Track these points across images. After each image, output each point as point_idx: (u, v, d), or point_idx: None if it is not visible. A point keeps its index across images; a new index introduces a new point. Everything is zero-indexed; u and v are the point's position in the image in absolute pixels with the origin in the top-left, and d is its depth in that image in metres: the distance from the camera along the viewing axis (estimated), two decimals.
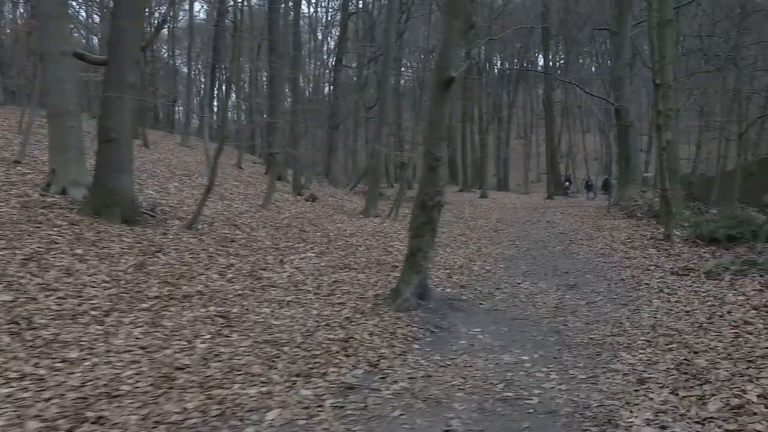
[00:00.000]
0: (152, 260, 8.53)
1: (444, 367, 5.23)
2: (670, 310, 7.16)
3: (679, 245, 11.76)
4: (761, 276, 8.63)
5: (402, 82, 52.75)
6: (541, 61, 44.37)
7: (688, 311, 7.03)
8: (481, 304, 7.64)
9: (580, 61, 53.07)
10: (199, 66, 43.27)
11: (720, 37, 17.95)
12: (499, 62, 59.15)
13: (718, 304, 7.26)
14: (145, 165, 17.70)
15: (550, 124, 37.46)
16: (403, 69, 52.65)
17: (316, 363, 5.08)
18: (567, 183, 40.83)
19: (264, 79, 38.86)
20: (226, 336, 5.80)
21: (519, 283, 9.04)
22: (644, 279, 8.97)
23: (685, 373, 4.90)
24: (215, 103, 43.31)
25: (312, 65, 38.76)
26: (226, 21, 30.67)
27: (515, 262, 10.98)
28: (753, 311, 6.87)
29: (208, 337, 5.73)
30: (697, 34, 19.90)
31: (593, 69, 54.15)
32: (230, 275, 8.44)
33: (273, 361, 5.11)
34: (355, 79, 35.73)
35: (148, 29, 24.93)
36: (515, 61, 51.48)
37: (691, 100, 22.88)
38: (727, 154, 22.37)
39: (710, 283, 8.44)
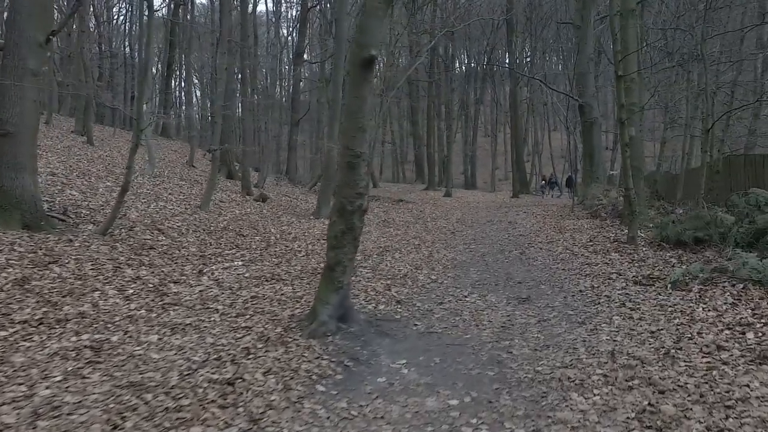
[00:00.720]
0: (41, 273, 7.23)
1: (348, 419, 4.06)
2: (633, 330, 6.09)
3: (644, 249, 10.78)
4: (732, 285, 7.65)
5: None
6: (507, 59, 43.52)
7: (652, 332, 5.98)
8: (416, 324, 6.47)
9: (546, 58, 52.49)
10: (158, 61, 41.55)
11: (684, 30, 17.06)
12: (465, 59, 58.31)
13: (686, 321, 6.23)
14: (81, 163, 16.30)
15: (515, 122, 36.64)
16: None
17: (177, 419, 3.88)
18: (542, 182, 40.10)
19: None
20: (84, 377, 4.56)
21: (465, 297, 7.91)
22: (605, 290, 7.92)
23: (649, 427, 3.82)
24: (178, 99, 41.69)
25: (273, 60, 37.32)
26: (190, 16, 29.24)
27: (466, 270, 9.86)
28: (726, 331, 5.86)
29: (59, 379, 4.49)
30: (661, 27, 18.96)
31: (560, 67, 53.59)
32: (131, 291, 7.17)
33: (123, 416, 3.89)
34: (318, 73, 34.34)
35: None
36: (484, 58, 50.62)
37: (655, 97, 22.04)
38: (691, 152, 21.62)
39: (677, 294, 7.43)
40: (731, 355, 5.13)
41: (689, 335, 5.80)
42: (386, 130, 56.14)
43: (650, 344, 5.60)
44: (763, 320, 6.05)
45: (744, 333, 5.78)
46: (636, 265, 9.47)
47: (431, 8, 38.66)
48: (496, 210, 22.97)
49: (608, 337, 5.91)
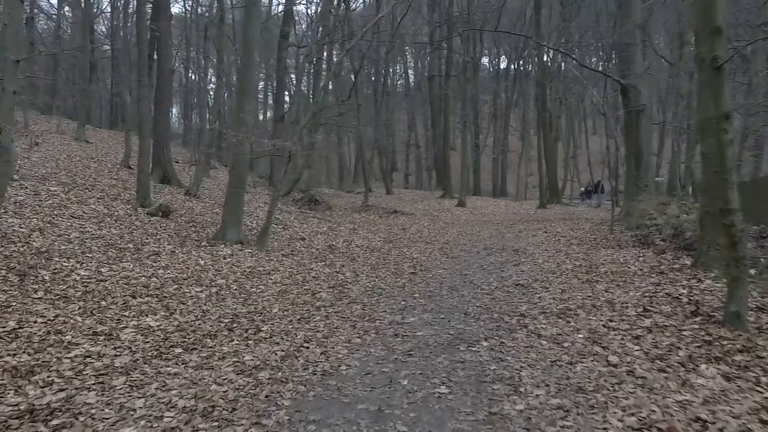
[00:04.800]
0: None
1: None
2: None
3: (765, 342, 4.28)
4: None
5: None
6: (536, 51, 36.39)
7: None
8: None
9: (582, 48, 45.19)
10: None
11: None
12: (496, 59, 51.51)
13: None
14: None
15: (543, 121, 29.82)
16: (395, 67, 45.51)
17: None
18: (582, 189, 32.89)
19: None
20: None
21: None
22: None
23: None
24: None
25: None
26: None
27: None
28: None
29: None
30: None
31: (603, 64, 45.95)
32: None
33: None
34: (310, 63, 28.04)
35: None
36: (518, 57, 43.79)
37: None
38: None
39: None
40: None
41: None
42: (411, 134, 49.81)
43: None
44: None
45: None
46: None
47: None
48: (510, 227, 16.41)
49: None
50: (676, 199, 14.51)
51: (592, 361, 4.52)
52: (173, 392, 3.98)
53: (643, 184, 15.31)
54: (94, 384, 4.10)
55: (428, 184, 46.96)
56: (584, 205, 28.99)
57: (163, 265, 8.23)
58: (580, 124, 48.10)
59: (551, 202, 27.49)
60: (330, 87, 25.21)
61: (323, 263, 9.70)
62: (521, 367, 4.46)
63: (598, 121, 55.69)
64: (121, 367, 4.44)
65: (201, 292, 7.08)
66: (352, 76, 30.82)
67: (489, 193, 42.33)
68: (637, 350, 4.71)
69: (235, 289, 7.37)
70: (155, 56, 17.27)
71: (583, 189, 32.58)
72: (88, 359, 4.57)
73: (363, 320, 6.06)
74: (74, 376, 4.22)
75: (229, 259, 9.09)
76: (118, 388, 4.06)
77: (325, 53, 25.34)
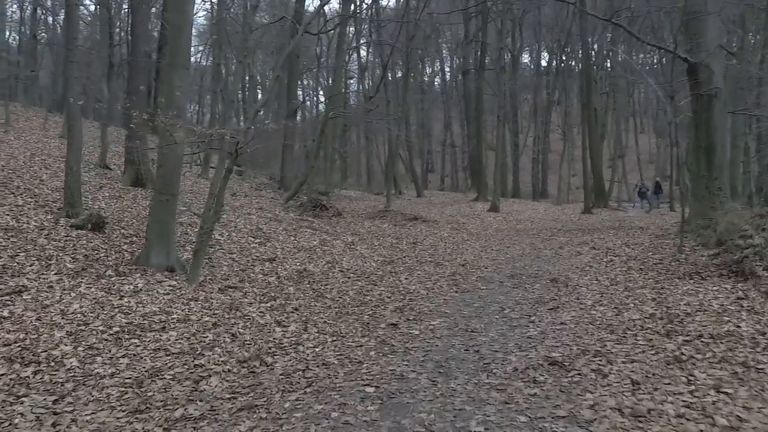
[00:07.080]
0: None
1: None
2: None
3: None
4: None
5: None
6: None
7: None
8: None
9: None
10: None
11: None
12: (537, 55, 47.36)
13: None
14: None
15: (588, 115, 25.98)
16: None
17: None
18: (636, 187, 27.89)
19: None
20: None
21: None
22: None
23: None
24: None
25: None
26: None
27: None
28: None
29: None
30: None
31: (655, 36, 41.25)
32: None
33: None
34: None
35: None
36: (560, 51, 39.79)
37: None
38: None
39: None
40: None
41: None
42: (447, 134, 46.24)
43: None
44: None
45: None
46: None
47: None
48: (548, 239, 12.94)
49: None
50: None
51: None
52: None
53: (716, 188, 11.68)
54: None
55: (464, 185, 43.44)
56: (636, 209, 25.07)
57: (5, 314, 5.22)
58: (628, 121, 43.59)
59: (597, 205, 23.67)
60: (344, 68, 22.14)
61: (272, 303, 6.54)
62: None
63: (646, 119, 51.06)
64: None
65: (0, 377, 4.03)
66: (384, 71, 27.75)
67: (529, 195, 38.46)
68: None
69: (70, 369, 4.29)
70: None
71: (636, 188, 27.90)
72: None
73: None
74: None
75: (127, 300, 6.03)
76: None
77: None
